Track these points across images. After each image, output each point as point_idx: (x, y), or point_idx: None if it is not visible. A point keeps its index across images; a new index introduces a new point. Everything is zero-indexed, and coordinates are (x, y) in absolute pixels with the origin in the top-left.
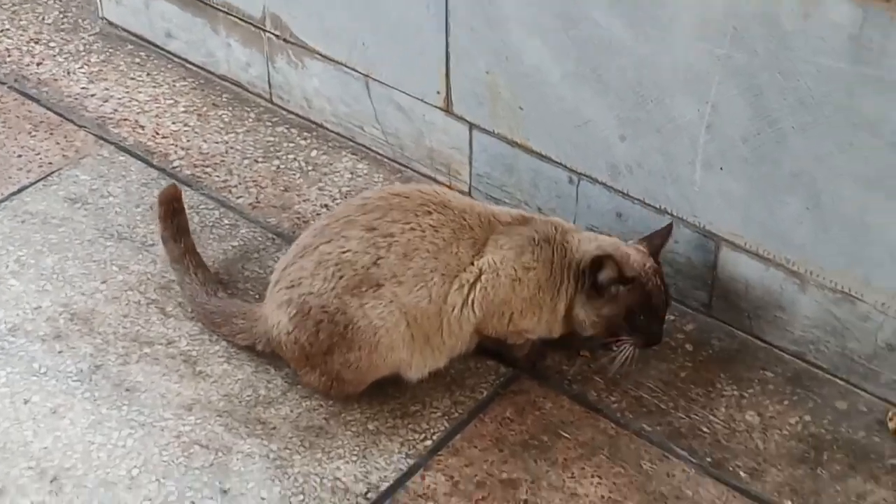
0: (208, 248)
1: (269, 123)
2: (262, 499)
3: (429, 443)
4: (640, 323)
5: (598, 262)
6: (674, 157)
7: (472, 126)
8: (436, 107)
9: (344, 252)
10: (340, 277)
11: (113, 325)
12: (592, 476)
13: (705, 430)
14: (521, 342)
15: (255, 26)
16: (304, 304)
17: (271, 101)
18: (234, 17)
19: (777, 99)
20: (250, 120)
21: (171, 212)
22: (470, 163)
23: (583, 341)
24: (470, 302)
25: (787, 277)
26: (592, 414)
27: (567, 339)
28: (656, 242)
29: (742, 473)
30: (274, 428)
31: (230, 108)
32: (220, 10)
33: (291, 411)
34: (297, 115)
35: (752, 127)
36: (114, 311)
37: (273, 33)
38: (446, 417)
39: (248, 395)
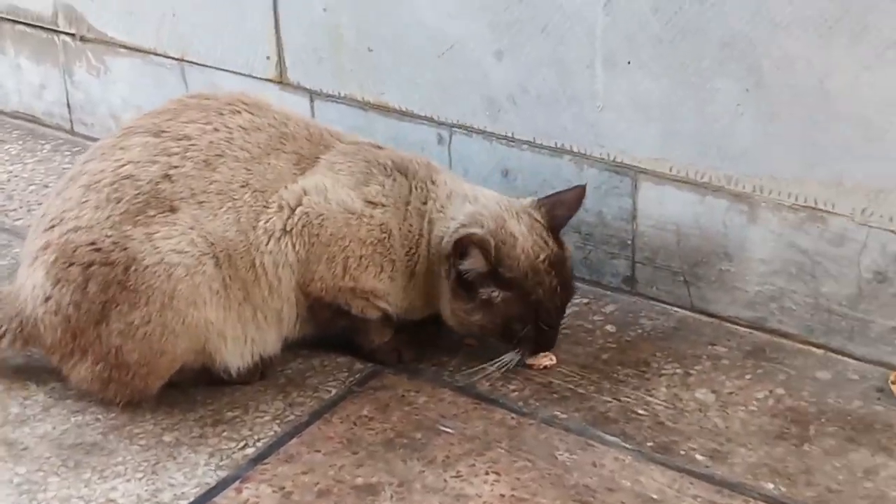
0: None
1: (68, 153)
2: None
3: (249, 451)
4: (524, 333)
5: (461, 246)
6: (567, 63)
7: (312, 95)
8: (267, 80)
9: (122, 166)
10: (118, 201)
11: None
12: (487, 473)
13: (641, 412)
14: (375, 317)
15: (46, 29)
16: (66, 244)
17: (72, 132)
18: (22, 23)
19: None
20: (45, 151)
21: None
22: None
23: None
24: (289, 231)
25: (731, 205)
26: (484, 405)
27: (439, 323)
28: (559, 213)
29: (699, 457)
30: (25, 448)
31: (20, 143)
32: (5, 20)
33: (53, 428)
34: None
35: None
36: None
37: (68, 34)
38: (277, 421)
39: None
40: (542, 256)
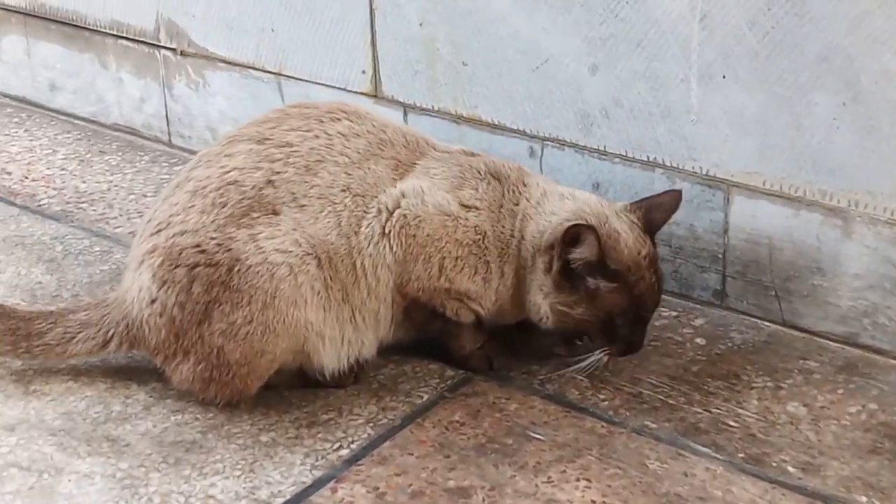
0: (69, 272)
1: (166, 164)
2: None
3: (344, 452)
4: (619, 330)
5: (574, 233)
6: (661, 77)
7: (406, 108)
8: (361, 93)
9: (227, 172)
10: (223, 205)
11: None
12: (578, 479)
13: (733, 423)
14: (468, 320)
15: (148, 44)
16: (173, 247)
17: (170, 144)
18: (125, 38)
19: None
20: (143, 162)
21: None
22: None
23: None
24: (387, 233)
25: (825, 220)
26: (574, 413)
27: (534, 327)
28: (655, 217)
29: (791, 469)
30: (127, 445)
31: (120, 154)
32: (109, 35)
33: (154, 426)
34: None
35: (761, 1)
36: None
37: (169, 48)
38: (370, 424)
39: (97, 413)
40: (643, 252)
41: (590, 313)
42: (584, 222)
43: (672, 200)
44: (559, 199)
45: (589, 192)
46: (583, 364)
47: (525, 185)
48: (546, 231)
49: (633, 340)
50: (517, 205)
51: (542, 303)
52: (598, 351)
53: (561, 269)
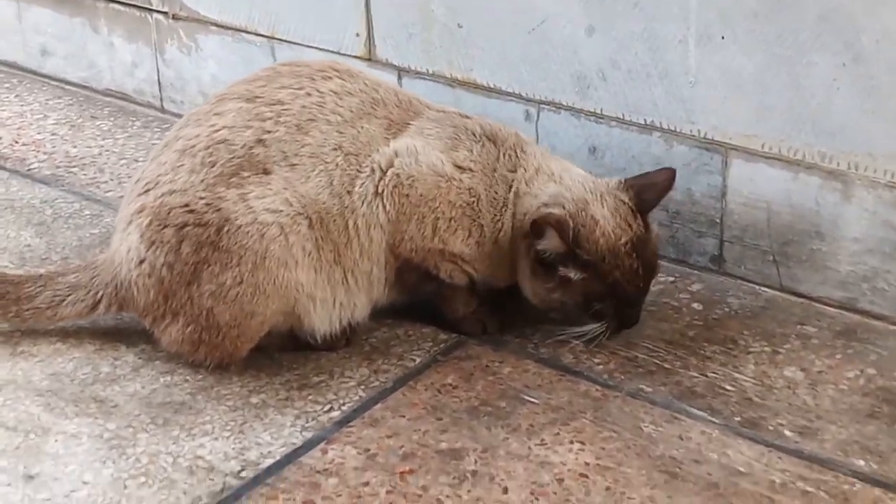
0: (58, 235)
1: (158, 129)
2: (85, 482)
3: (335, 413)
4: (605, 310)
5: (537, 227)
6: (659, 38)
7: (400, 72)
8: (355, 57)
9: (217, 131)
10: (212, 165)
11: None
12: (572, 442)
13: (729, 388)
14: (462, 283)
15: (140, 8)
16: (161, 207)
17: (162, 109)
18: (117, 1)
19: None
20: (135, 127)
21: None
22: None
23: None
24: (380, 192)
25: (825, 183)
26: (568, 377)
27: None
28: (648, 197)
29: (787, 432)
30: (115, 406)
31: (111, 119)
32: None
33: (143, 387)
34: None
35: None
36: None
37: (161, 12)
38: (362, 386)
39: (85, 374)
40: (623, 239)
41: (567, 298)
42: (552, 212)
43: (666, 179)
44: (546, 180)
45: (580, 171)
46: (577, 331)
47: (524, 154)
48: (526, 212)
49: (621, 319)
50: (513, 172)
51: (525, 284)
52: (597, 324)
53: (535, 257)
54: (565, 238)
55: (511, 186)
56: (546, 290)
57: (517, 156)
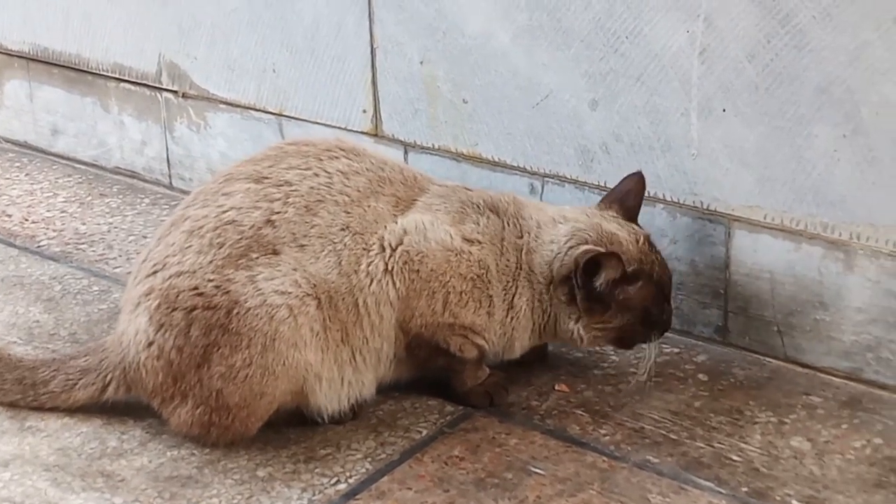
0: (67, 311)
1: (166, 206)
2: None
3: (342, 486)
4: (657, 317)
5: (593, 264)
6: (661, 112)
7: (406, 147)
8: (362, 132)
9: (225, 212)
10: (220, 246)
11: None
12: None
13: (736, 458)
14: (471, 356)
15: (149, 87)
16: (170, 289)
17: (170, 186)
18: (127, 81)
19: None
20: (144, 204)
21: None
22: None
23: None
24: (390, 269)
25: (827, 253)
26: (575, 448)
27: (534, 363)
28: (631, 204)
29: (795, 502)
30: (122, 480)
31: (121, 196)
32: (111, 78)
33: (150, 461)
34: None
35: (760, 34)
36: None
37: (171, 91)
38: (369, 459)
39: (92, 448)
40: (641, 241)
41: (627, 318)
42: (591, 248)
43: (637, 183)
44: (553, 226)
45: (570, 207)
46: (643, 365)
47: (523, 218)
48: (551, 261)
49: (665, 320)
50: (520, 238)
51: (575, 328)
52: (648, 348)
53: (586, 296)
54: (620, 263)
55: (521, 249)
56: (603, 324)
57: (519, 222)
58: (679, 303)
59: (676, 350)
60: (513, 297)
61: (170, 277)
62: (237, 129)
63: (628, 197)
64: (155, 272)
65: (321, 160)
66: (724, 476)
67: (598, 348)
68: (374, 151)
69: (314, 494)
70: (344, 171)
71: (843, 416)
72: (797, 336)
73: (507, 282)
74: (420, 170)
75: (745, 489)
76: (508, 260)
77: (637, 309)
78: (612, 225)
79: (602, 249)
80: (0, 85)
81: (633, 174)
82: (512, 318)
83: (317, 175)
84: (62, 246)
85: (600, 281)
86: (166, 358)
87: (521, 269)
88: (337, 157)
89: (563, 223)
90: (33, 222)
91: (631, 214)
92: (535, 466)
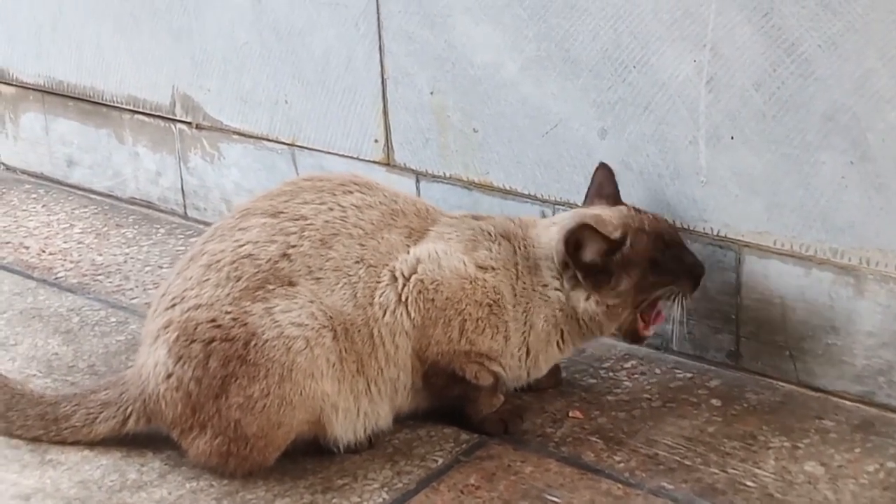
0: (85, 343)
1: (182, 236)
2: None
3: None
4: (671, 264)
5: (574, 239)
6: (670, 140)
7: (418, 176)
8: (374, 162)
9: (241, 246)
10: (238, 279)
11: None
12: None
13: (750, 483)
14: (487, 384)
15: (164, 118)
16: (188, 322)
17: (185, 216)
18: (141, 113)
19: (793, 10)
20: (159, 234)
21: None
22: None
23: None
24: (404, 300)
25: (837, 278)
26: (590, 475)
27: (547, 390)
28: (608, 192)
29: None
30: None
31: (136, 227)
32: (126, 110)
33: (169, 493)
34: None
35: (767, 62)
36: None
37: (184, 122)
38: (385, 489)
39: (112, 481)
40: (625, 210)
41: (635, 274)
42: (569, 227)
43: (604, 173)
44: (546, 231)
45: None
46: (675, 312)
47: (529, 237)
48: (551, 258)
49: (688, 263)
50: (528, 259)
51: (591, 306)
52: (672, 296)
53: (585, 273)
54: (599, 232)
55: (531, 268)
56: (615, 290)
57: (527, 246)
58: (691, 328)
59: (689, 375)
60: (532, 317)
61: (188, 310)
62: (250, 159)
63: (603, 187)
64: (173, 305)
65: (335, 194)
66: (738, 502)
67: (618, 368)
68: (387, 185)
69: None
70: (358, 205)
71: (855, 440)
72: (809, 360)
73: (526, 303)
74: (432, 202)
75: None
76: (524, 283)
77: (642, 262)
78: (596, 210)
79: (572, 227)
80: (16, 117)
81: (598, 167)
82: (533, 337)
83: (332, 209)
84: (79, 277)
85: (589, 252)
86: (185, 389)
87: (535, 290)
88: (351, 192)
89: (553, 224)
90: (50, 254)
91: (613, 201)
92: (550, 494)
